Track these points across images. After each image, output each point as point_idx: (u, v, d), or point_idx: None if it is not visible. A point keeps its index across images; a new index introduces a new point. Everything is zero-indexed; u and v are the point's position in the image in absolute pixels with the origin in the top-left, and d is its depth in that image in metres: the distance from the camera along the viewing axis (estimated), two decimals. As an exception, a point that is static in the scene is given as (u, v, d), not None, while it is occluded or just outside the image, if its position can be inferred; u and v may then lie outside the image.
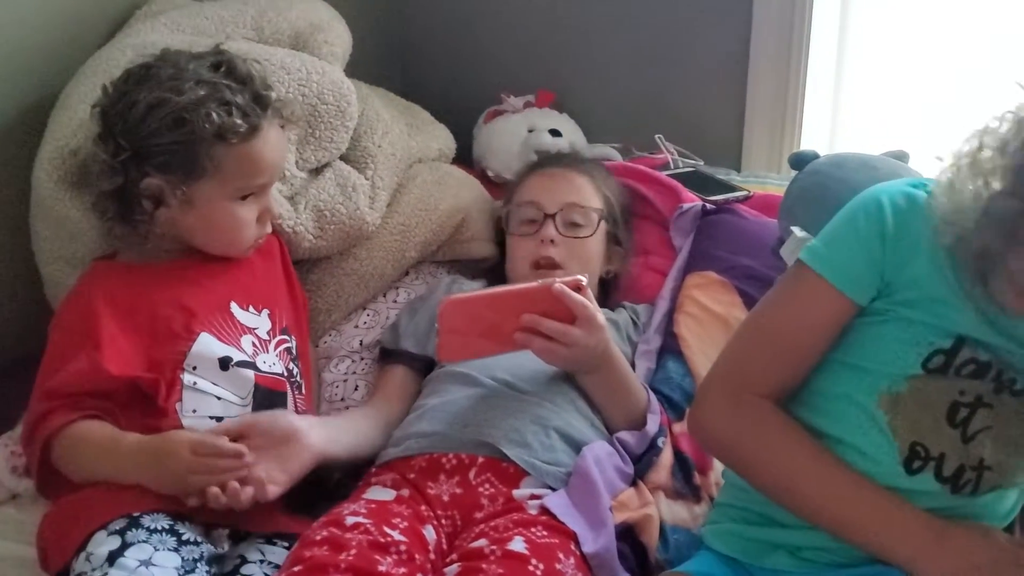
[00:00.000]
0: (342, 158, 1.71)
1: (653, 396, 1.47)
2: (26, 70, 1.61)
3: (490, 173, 2.03)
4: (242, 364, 1.41)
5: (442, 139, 1.92)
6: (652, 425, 1.42)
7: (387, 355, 1.59)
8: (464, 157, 2.04)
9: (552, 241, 1.61)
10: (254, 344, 1.45)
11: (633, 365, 1.53)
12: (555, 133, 2.04)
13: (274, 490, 1.24)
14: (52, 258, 1.54)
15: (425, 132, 1.90)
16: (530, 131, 2.04)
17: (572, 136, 2.07)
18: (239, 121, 1.36)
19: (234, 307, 1.46)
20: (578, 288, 1.35)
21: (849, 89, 2.05)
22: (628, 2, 2.11)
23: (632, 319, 1.63)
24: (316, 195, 1.62)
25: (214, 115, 1.34)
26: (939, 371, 1.09)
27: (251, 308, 1.48)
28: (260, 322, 1.48)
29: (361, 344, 1.66)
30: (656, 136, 1.97)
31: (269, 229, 1.50)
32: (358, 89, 1.74)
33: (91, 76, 1.53)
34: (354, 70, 1.81)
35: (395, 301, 1.72)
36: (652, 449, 1.41)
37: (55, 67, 1.60)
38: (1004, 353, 1.09)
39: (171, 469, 1.22)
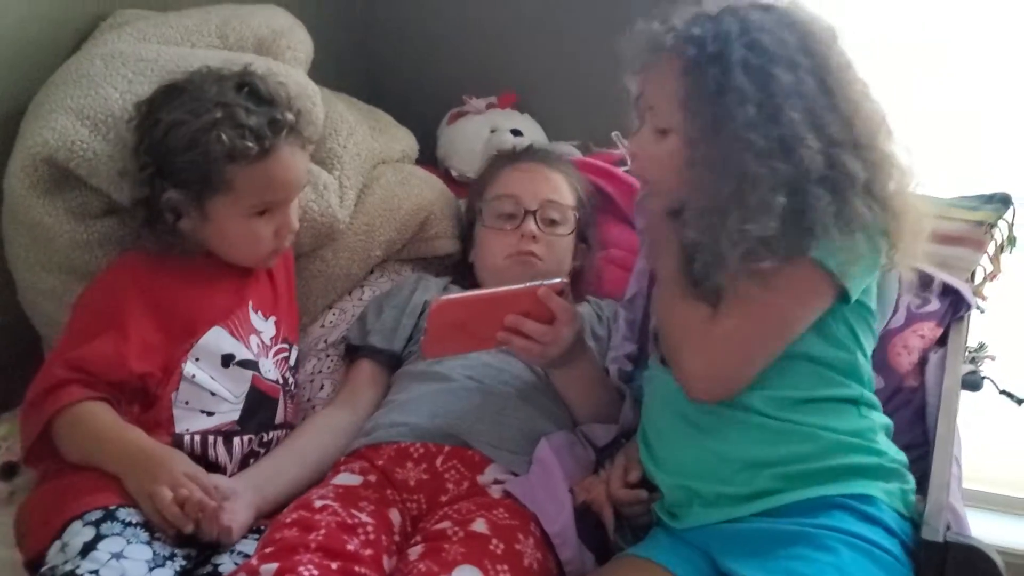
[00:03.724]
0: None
1: (629, 394, 1.50)
2: None
3: (454, 173, 2.07)
4: (244, 363, 1.45)
5: (405, 141, 1.95)
6: (625, 420, 1.46)
7: (353, 350, 1.62)
8: (428, 158, 2.08)
9: (534, 237, 1.63)
10: (259, 346, 1.49)
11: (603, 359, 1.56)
12: (516, 133, 2.08)
13: (237, 533, 1.27)
14: (25, 264, 1.54)
15: (388, 134, 1.92)
16: (492, 131, 2.08)
17: (533, 135, 2.11)
18: (250, 144, 1.39)
19: (250, 307, 1.50)
20: (560, 291, 1.37)
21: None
22: (584, 5, 2.15)
23: (596, 313, 1.66)
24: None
25: (224, 137, 1.37)
26: None
27: (261, 313, 1.52)
28: (266, 327, 1.52)
29: (326, 343, 1.69)
30: (613, 133, 2.00)
31: (288, 243, 1.53)
32: (323, 95, 1.74)
33: (61, 85, 1.54)
34: (319, 75, 1.81)
35: (360, 299, 1.75)
36: (616, 444, 1.45)
37: (23, 78, 1.60)
38: None
39: (155, 477, 1.24)
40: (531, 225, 1.63)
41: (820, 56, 1.20)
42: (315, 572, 1.12)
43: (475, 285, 1.68)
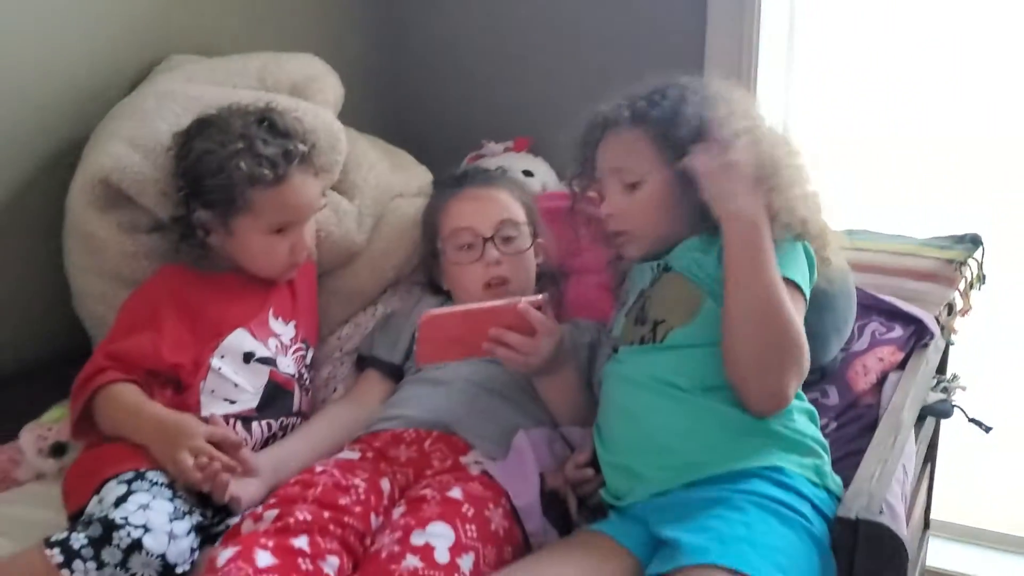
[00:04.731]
0: (333, 188, 1.90)
1: None
2: (63, 114, 1.81)
3: (467, 209, 2.25)
4: (262, 360, 1.64)
5: (422, 178, 2.12)
6: None
7: (362, 360, 1.80)
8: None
9: (498, 261, 1.71)
10: (277, 346, 1.67)
11: (590, 373, 1.69)
12: (528, 174, 2.22)
13: (245, 503, 1.42)
14: (80, 270, 1.73)
15: (407, 171, 2.10)
16: (505, 172, 2.26)
17: (545, 177, 2.27)
18: (266, 171, 1.58)
19: (271, 313, 1.69)
20: (539, 307, 1.51)
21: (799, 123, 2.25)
22: (593, 59, 2.33)
23: (579, 329, 1.77)
24: (315, 220, 1.78)
25: (243, 164, 1.57)
26: None
27: (281, 319, 1.71)
28: (286, 331, 1.71)
29: (341, 351, 1.87)
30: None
31: (302, 259, 1.71)
32: (349, 133, 1.93)
33: (119, 118, 1.74)
34: (350, 118, 2.00)
35: (374, 315, 1.93)
36: None
37: (86, 112, 1.80)
38: None
39: (177, 444, 1.42)
40: (492, 252, 1.71)
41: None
42: (309, 516, 1.30)
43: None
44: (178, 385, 1.58)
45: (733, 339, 1.34)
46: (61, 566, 1.26)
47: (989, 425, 1.90)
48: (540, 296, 1.53)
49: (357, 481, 1.41)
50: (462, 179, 1.86)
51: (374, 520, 1.38)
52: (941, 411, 1.92)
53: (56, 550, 1.27)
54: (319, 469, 1.43)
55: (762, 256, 1.33)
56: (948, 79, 2.13)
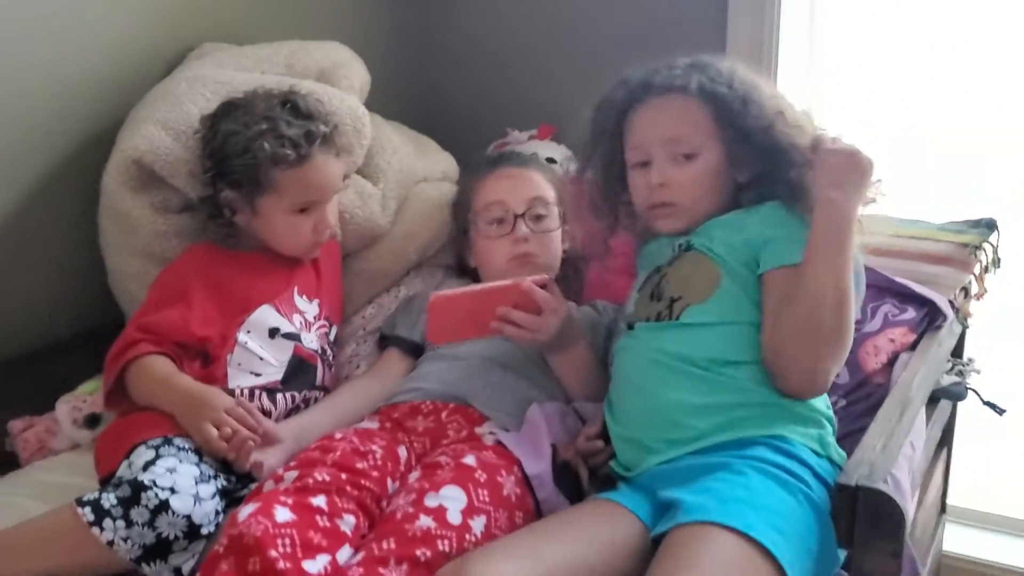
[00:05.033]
0: (358, 172, 1.96)
1: None
2: (99, 98, 1.88)
3: (491, 194, 2.29)
4: (287, 335, 1.69)
5: (446, 163, 2.17)
6: None
7: (384, 339, 1.86)
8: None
9: (527, 239, 1.78)
10: (302, 323, 1.73)
11: (606, 352, 1.72)
12: (551, 161, 2.21)
13: (266, 471, 1.47)
14: (114, 250, 1.80)
15: (431, 157, 2.15)
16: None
17: (568, 164, 2.33)
18: (289, 151, 1.63)
19: (295, 291, 1.75)
20: (543, 285, 1.56)
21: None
22: (615, 47, 2.37)
23: (597, 310, 1.83)
24: (338, 200, 1.84)
25: (267, 145, 1.62)
26: None
27: (306, 296, 1.77)
28: (310, 308, 1.77)
29: (364, 330, 1.92)
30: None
31: (325, 238, 1.76)
32: (374, 119, 1.99)
33: (152, 102, 1.80)
34: (379, 106, 2.06)
35: (396, 296, 1.98)
36: None
37: (122, 96, 1.87)
38: None
39: (202, 415, 1.49)
40: (522, 228, 1.77)
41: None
42: (327, 477, 1.35)
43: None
44: (206, 358, 1.64)
45: (795, 317, 1.36)
46: (92, 524, 1.33)
47: (1003, 408, 1.92)
48: (543, 276, 1.57)
49: (375, 448, 1.46)
50: (499, 159, 1.92)
51: (391, 485, 1.43)
52: (955, 394, 1.94)
53: (87, 509, 1.34)
54: (339, 436, 1.48)
55: (846, 243, 1.37)
56: (970, 67, 2.14)
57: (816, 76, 2.30)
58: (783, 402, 1.38)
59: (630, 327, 1.54)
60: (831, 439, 1.40)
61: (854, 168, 1.40)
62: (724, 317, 1.44)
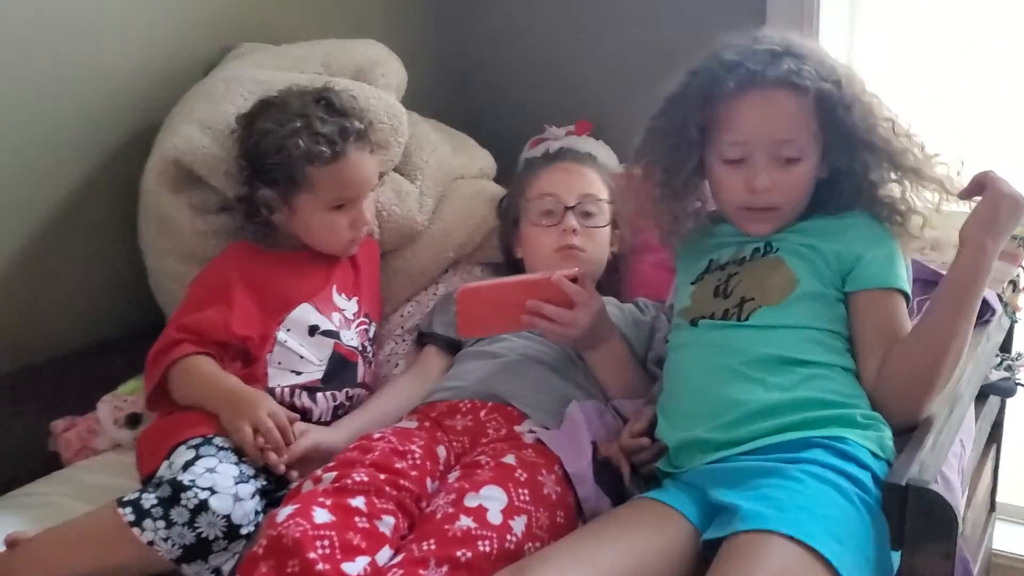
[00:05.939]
0: (395, 170, 1.96)
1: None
2: (140, 98, 1.89)
3: (530, 191, 2.29)
4: (327, 333, 1.69)
5: (484, 160, 2.17)
6: (654, 397, 1.59)
7: (422, 336, 1.85)
8: (509, 178, 2.30)
9: (575, 231, 1.78)
10: (341, 320, 1.73)
11: (648, 350, 1.72)
12: (588, 156, 2.28)
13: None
14: (154, 251, 1.81)
15: (469, 154, 2.15)
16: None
17: (605, 160, 2.30)
18: (324, 148, 1.63)
19: (334, 289, 1.75)
20: (575, 279, 1.53)
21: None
22: (654, 43, 2.34)
23: (640, 308, 1.81)
24: (375, 198, 1.85)
25: (302, 142, 1.62)
26: None
27: (344, 294, 1.76)
28: (349, 306, 1.76)
29: (403, 328, 1.92)
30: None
31: (363, 234, 1.76)
32: (411, 117, 1.99)
33: (190, 101, 1.81)
34: (416, 104, 2.06)
35: (435, 294, 1.98)
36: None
37: (161, 97, 1.88)
38: None
39: (242, 414, 1.49)
40: (571, 220, 1.78)
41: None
42: (365, 478, 1.34)
43: None
44: (247, 357, 1.64)
45: (914, 364, 1.35)
46: (132, 524, 1.33)
47: (1053, 405, 1.88)
48: (574, 269, 1.55)
49: (414, 447, 1.45)
50: (557, 154, 1.95)
51: (430, 485, 1.42)
52: (1004, 389, 1.91)
53: (128, 509, 1.34)
54: (377, 435, 1.47)
55: (978, 289, 1.35)
56: (1018, 33, 2.07)
57: (859, 31, 2.25)
58: (842, 401, 1.35)
59: (692, 323, 1.50)
60: (890, 442, 1.36)
61: (1017, 215, 1.35)
62: (796, 321, 1.41)
